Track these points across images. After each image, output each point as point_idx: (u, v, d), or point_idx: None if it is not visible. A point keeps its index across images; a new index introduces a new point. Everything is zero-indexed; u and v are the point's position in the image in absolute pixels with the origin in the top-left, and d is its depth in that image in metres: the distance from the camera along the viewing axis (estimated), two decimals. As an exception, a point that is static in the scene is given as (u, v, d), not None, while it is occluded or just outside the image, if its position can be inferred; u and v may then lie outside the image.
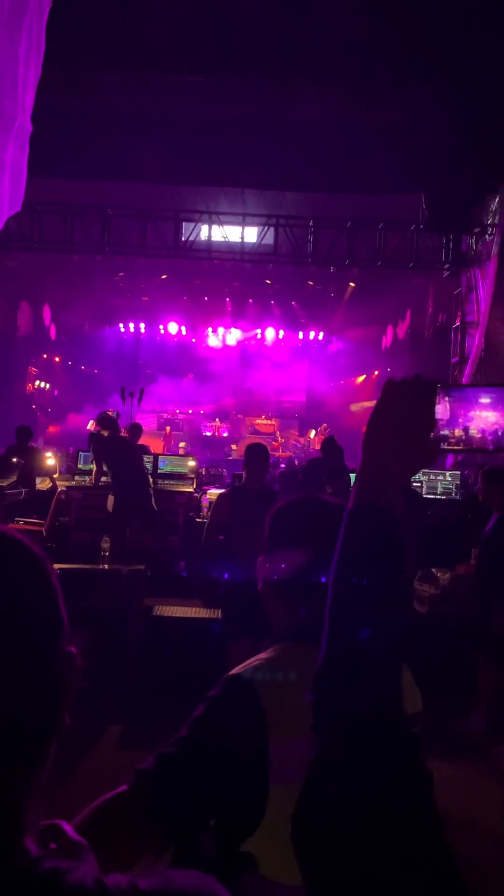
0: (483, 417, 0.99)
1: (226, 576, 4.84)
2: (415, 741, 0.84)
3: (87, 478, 8.91)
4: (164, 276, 19.30)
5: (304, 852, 0.77)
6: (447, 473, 8.72)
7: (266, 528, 1.59)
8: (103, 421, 7.78)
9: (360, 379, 23.23)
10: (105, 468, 7.62)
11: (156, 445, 15.85)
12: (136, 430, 9.83)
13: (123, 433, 10.40)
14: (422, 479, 8.38)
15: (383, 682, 0.84)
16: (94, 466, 8.03)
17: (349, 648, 0.84)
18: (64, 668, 0.72)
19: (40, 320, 20.62)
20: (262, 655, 1.41)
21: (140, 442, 9.87)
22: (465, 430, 0.99)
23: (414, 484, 7.67)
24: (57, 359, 22.21)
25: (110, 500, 7.35)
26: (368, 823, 0.76)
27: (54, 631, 0.72)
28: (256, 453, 5.45)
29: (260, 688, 1.33)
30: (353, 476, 7.71)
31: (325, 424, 19.28)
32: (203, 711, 1.34)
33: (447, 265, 12.91)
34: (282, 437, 19.59)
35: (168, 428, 19.05)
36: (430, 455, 0.94)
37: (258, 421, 20.61)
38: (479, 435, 0.98)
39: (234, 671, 1.39)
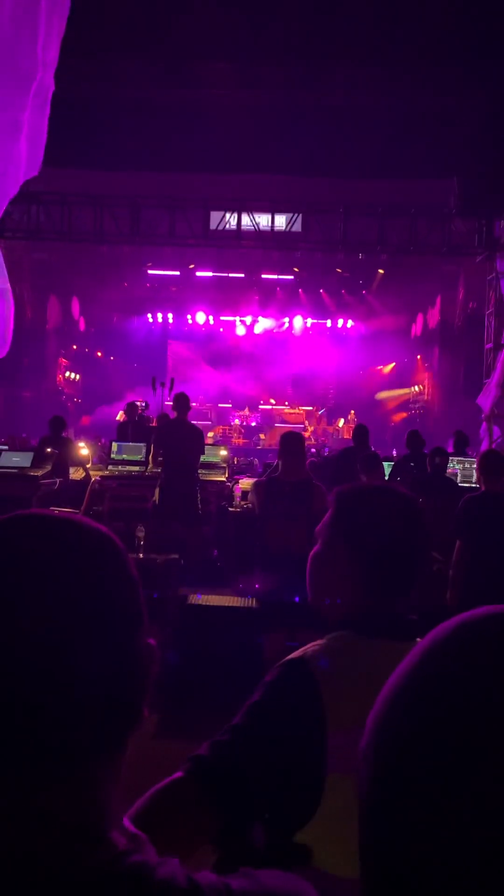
0: None
1: (296, 599, 4.59)
2: None
3: (119, 467, 8.96)
4: (191, 266, 19.31)
5: None
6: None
7: (333, 512, 1.52)
8: (177, 400, 7.70)
9: (390, 367, 23.07)
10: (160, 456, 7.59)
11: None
12: (183, 402, 7.72)
13: (153, 422, 10.39)
14: (457, 467, 8.30)
15: None
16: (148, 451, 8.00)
17: None
18: (145, 660, 0.71)
19: (69, 313, 20.76)
20: (320, 642, 1.39)
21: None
22: None
23: (449, 471, 7.58)
24: (86, 350, 22.36)
25: (157, 492, 7.39)
26: None
27: (136, 623, 0.71)
28: (292, 443, 5.18)
29: (319, 675, 1.30)
30: (386, 465, 7.63)
31: (352, 412, 19.18)
32: (260, 697, 1.31)
33: (480, 250, 12.73)
34: (311, 426, 19.51)
35: (221, 428, 19.07)
36: None
37: (287, 410, 20.57)
38: None
39: (291, 656, 1.37)
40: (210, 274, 19.80)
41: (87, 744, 0.65)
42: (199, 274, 19.80)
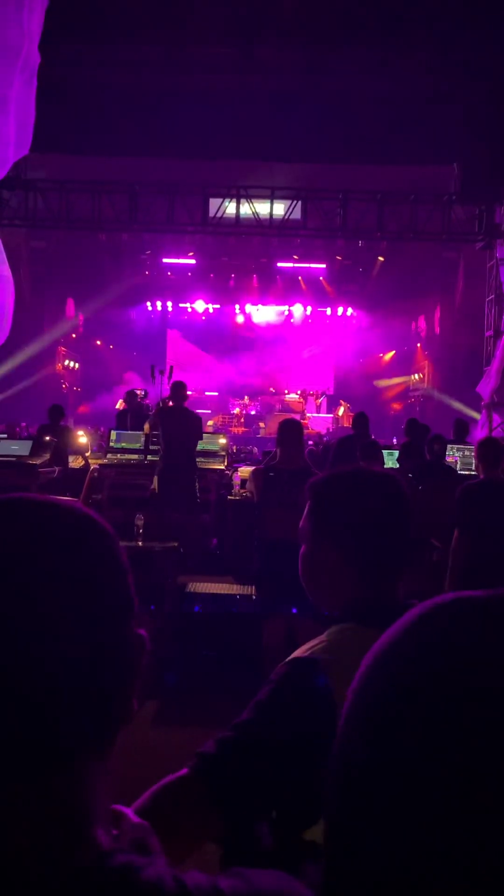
0: None
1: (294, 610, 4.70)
2: None
3: (118, 455, 8.95)
4: (190, 254, 19.22)
5: None
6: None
7: (310, 507, 1.49)
8: (175, 388, 7.65)
9: (389, 355, 23.02)
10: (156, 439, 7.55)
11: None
12: (180, 391, 7.66)
13: (152, 411, 10.33)
14: (457, 454, 8.28)
15: None
16: (144, 430, 7.98)
17: None
18: (134, 651, 0.69)
19: (68, 302, 20.74)
20: (322, 638, 1.36)
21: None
22: None
23: (448, 459, 7.56)
24: (85, 338, 22.31)
25: (156, 480, 7.37)
26: None
27: (126, 612, 0.69)
28: (290, 430, 5.19)
29: (329, 671, 1.28)
30: (385, 452, 7.61)
31: (341, 401, 19.10)
32: (268, 695, 1.29)
33: (480, 236, 12.66)
34: (308, 415, 19.45)
35: (221, 417, 19.01)
36: None
37: (287, 397, 20.53)
38: None
39: (298, 653, 1.35)
40: (209, 261, 19.71)
41: (73, 739, 0.62)
42: (197, 261, 19.71)
